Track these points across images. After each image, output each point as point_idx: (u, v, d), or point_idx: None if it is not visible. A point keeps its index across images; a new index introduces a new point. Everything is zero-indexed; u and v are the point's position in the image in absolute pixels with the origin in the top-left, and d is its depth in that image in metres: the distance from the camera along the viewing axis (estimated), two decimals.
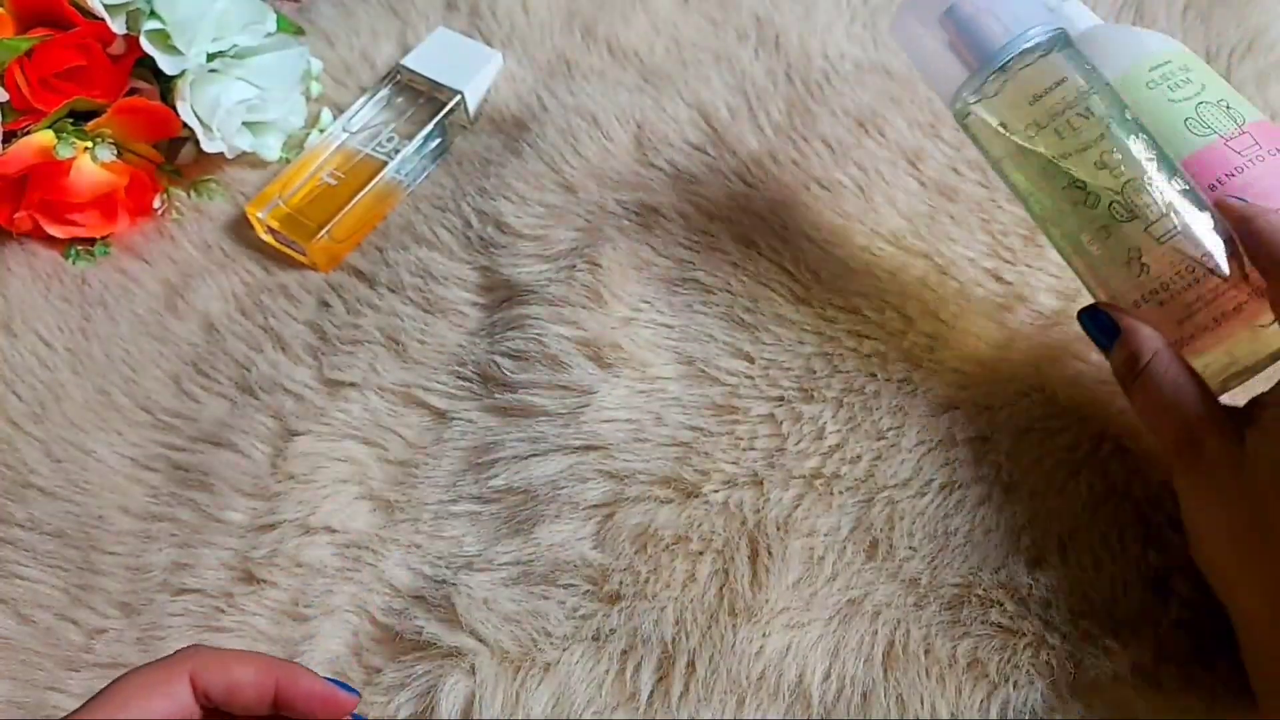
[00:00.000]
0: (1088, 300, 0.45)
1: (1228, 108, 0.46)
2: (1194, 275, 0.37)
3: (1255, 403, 0.36)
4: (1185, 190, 0.38)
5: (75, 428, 0.52)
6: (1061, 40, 0.39)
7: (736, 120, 0.54)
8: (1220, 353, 0.37)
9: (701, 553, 0.42)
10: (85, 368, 0.54)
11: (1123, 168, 0.37)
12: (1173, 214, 0.37)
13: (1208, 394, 0.36)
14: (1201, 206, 0.38)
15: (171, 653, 0.33)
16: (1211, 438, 0.35)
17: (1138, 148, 0.38)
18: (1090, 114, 0.38)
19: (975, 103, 0.40)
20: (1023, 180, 0.40)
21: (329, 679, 0.35)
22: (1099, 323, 0.39)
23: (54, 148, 0.53)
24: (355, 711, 0.36)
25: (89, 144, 0.54)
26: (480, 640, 0.42)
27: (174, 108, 0.56)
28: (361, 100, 0.60)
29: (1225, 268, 0.36)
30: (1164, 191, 0.37)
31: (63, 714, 0.44)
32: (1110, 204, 0.37)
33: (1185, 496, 0.36)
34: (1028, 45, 0.39)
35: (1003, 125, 0.40)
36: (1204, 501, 0.35)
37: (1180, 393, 0.36)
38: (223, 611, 0.46)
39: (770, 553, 0.42)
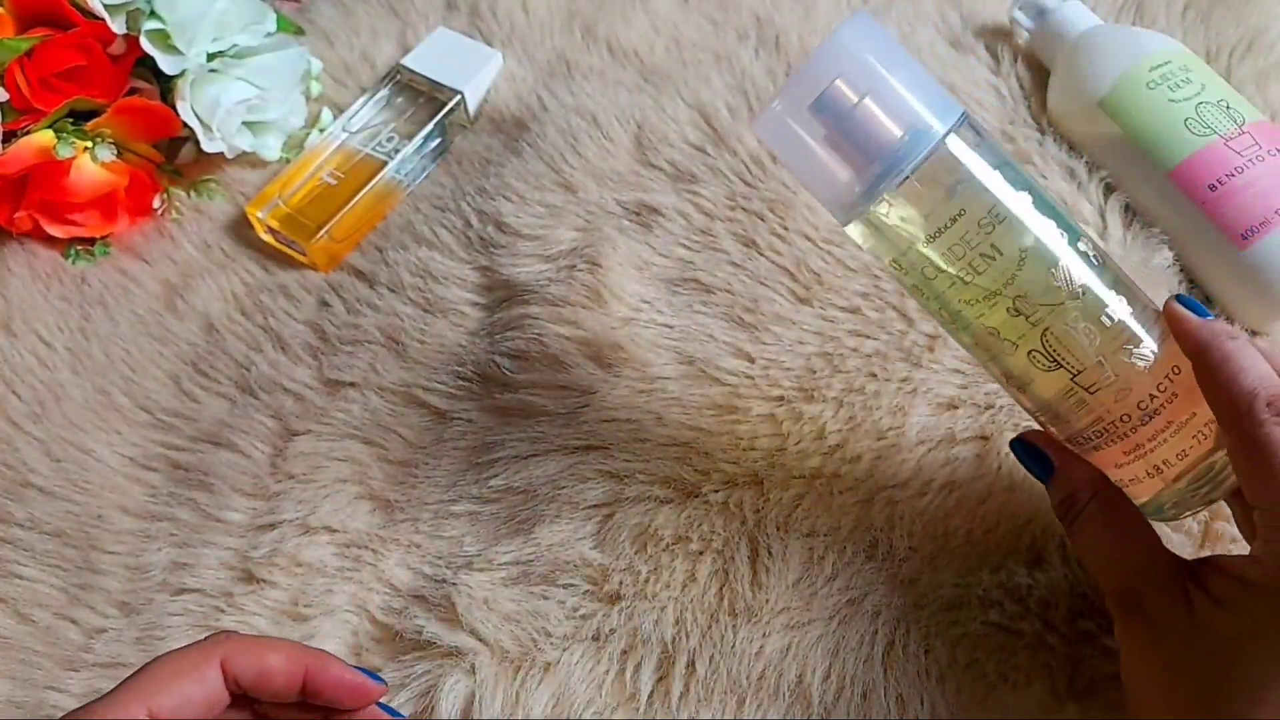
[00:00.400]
0: None
1: (1228, 108, 0.46)
2: (1131, 424, 0.33)
3: (1210, 565, 0.33)
4: (1126, 317, 0.32)
5: (75, 427, 0.52)
6: (966, 134, 0.32)
7: (736, 120, 0.54)
8: (1167, 494, 0.34)
9: (701, 553, 0.42)
10: (85, 367, 0.54)
11: (1041, 313, 0.32)
12: (1105, 358, 0.32)
13: (1151, 544, 0.34)
14: (1148, 329, 0.33)
15: (203, 638, 0.33)
16: (1155, 597, 0.33)
17: (1064, 276, 0.32)
18: (998, 253, 0.31)
19: (858, 225, 0.33)
20: (930, 310, 0.35)
21: (358, 668, 0.35)
22: (1033, 456, 0.36)
23: (54, 147, 0.53)
24: (381, 701, 0.36)
25: (89, 144, 0.54)
26: (480, 640, 0.42)
27: (174, 107, 0.56)
28: (361, 100, 0.60)
29: (1165, 411, 0.32)
30: (1095, 327, 0.32)
31: (62, 713, 0.44)
32: (1029, 353, 0.33)
33: (1126, 654, 0.34)
34: (928, 151, 0.31)
35: (896, 263, 0.34)
36: (1146, 664, 0.33)
37: (1120, 542, 0.33)
38: (222, 611, 0.46)
39: (770, 553, 0.42)
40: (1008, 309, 0.32)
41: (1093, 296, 0.32)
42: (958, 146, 0.32)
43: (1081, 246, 0.33)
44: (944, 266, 0.32)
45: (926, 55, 0.56)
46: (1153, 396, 0.32)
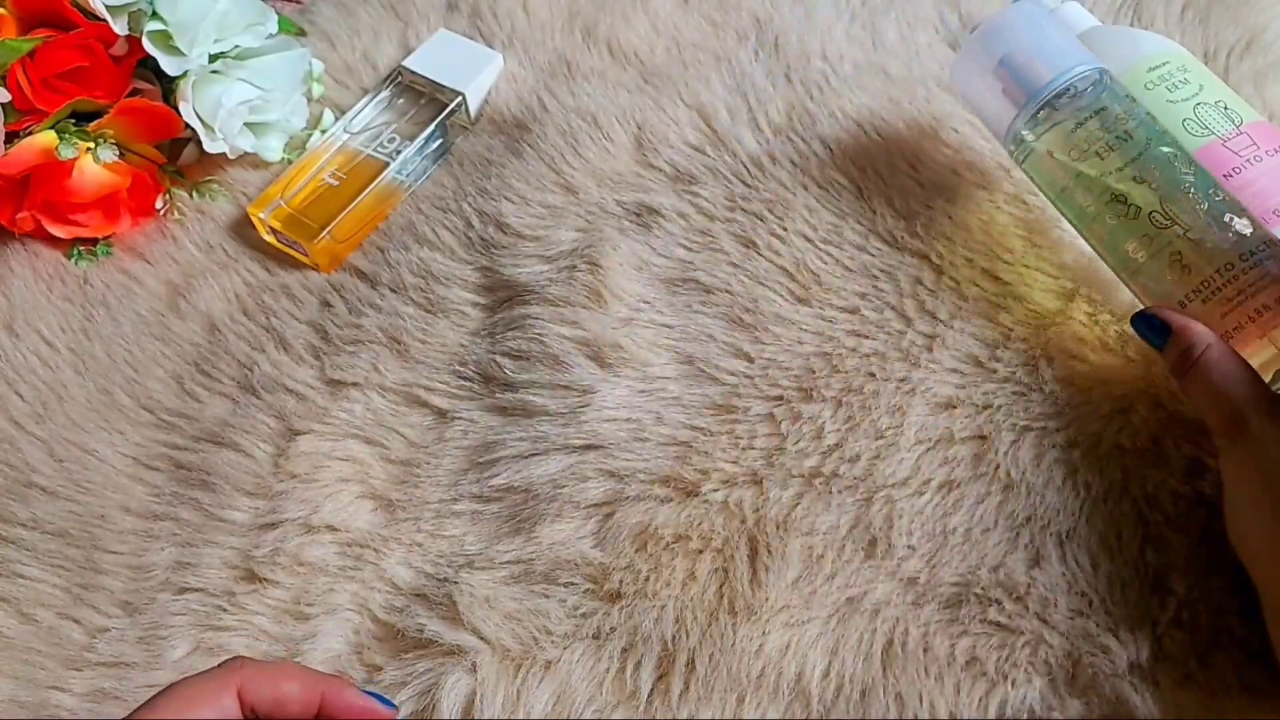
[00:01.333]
0: (1084, 299, 0.45)
1: (1225, 108, 0.47)
2: (1233, 272, 0.39)
3: None
4: (1221, 198, 0.41)
5: (77, 427, 0.52)
6: (1103, 77, 0.44)
7: (736, 121, 0.54)
8: (1266, 343, 0.39)
9: (701, 551, 0.43)
10: (88, 367, 0.54)
11: (1159, 181, 0.41)
12: (1209, 219, 0.40)
13: (1258, 380, 0.37)
14: (1239, 212, 0.40)
15: (219, 664, 0.34)
16: (1258, 418, 0.36)
17: (1176, 162, 0.41)
18: (1128, 137, 0.42)
19: (1026, 133, 0.45)
20: (1074, 201, 0.44)
21: (368, 692, 0.35)
22: (1151, 324, 0.40)
23: (56, 148, 0.53)
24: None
25: (91, 144, 0.54)
26: (481, 638, 0.42)
27: (176, 108, 0.56)
28: (363, 101, 0.60)
29: (1265, 265, 0.38)
30: (1200, 199, 0.40)
31: (65, 713, 0.44)
32: (1150, 214, 0.41)
33: (1228, 475, 0.37)
34: (1071, 79, 0.44)
35: (1050, 153, 0.44)
36: (1245, 479, 0.36)
37: (1229, 378, 0.37)
38: (225, 610, 0.46)
39: (770, 551, 0.42)
40: (1133, 178, 0.41)
41: (1203, 178, 0.41)
42: (1090, 82, 0.44)
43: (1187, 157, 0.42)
44: (1085, 152, 0.43)
45: (925, 56, 0.57)
46: (1253, 253, 0.39)
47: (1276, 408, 0.36)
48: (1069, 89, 0.44)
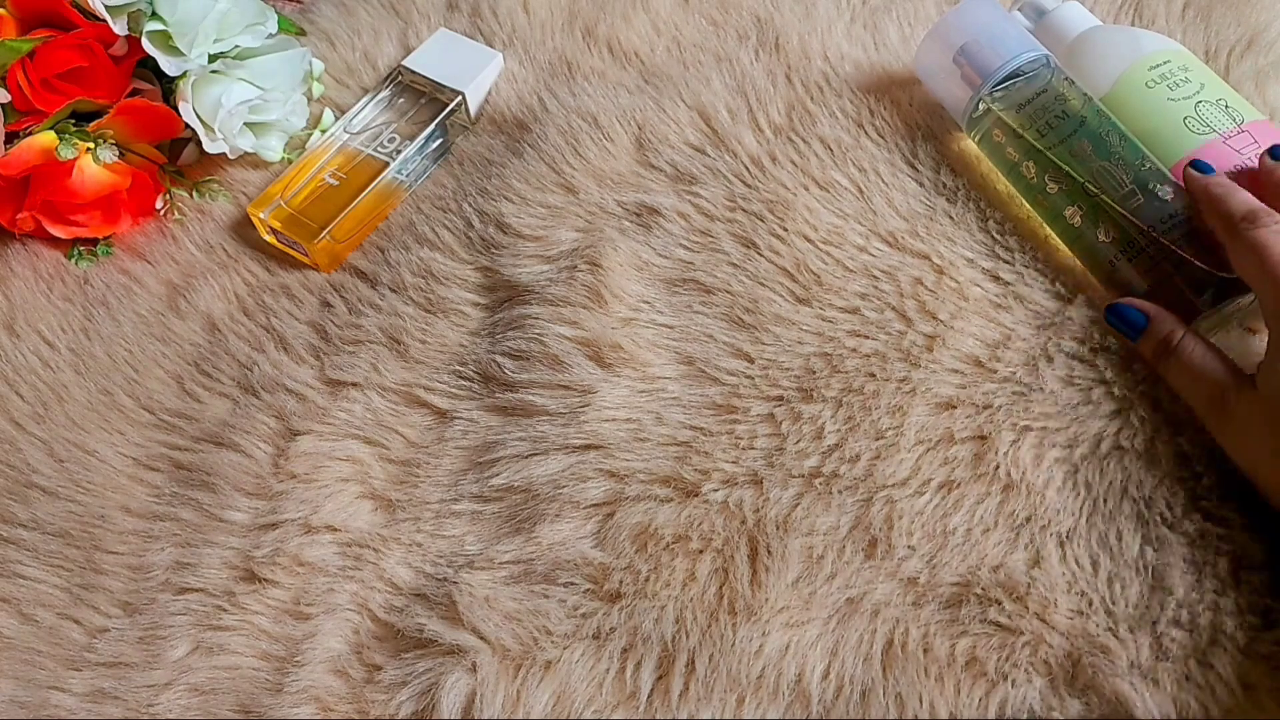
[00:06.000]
0: (1084, 300, 0.45)
1: (1226, 107, 0.47)
2: (1156, 233, 0.43)
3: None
4: (1149, 168, 0.45)
5: (78, 428, 0.52)
6: (1048, 61, 0.49)
7: (736, 121, 0.54)
8: (1186, 294, 0.43)
9: (701, 552, 0.43)
10: (88, 368, 0.54)
11: (1091, 153, 0.46)
12: (1135, 186, 0.44)
13: (1226, 358, 0.41)
14: (1163, 180, 0.44)
15: None
16: (1234, 391, 0.40)
17: (1108, 137, 0.46)
18: (1065, 115, 0.47)
19: (981, 113, 0.49)
20: (1021, 175, 0.47)
21: None
22: (1124, 315, 0.43)
23: (56, 149, 0.53)
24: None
25: (91, 145, 0.54)
26: (481, 638, 0.42)
27: (176, 109, 0.56)
28: (363, 101, 0.60)
29: (1185, 226, 0.43)
30: (1127, 169, 0.45)
31: (65, 713, 0.44)
32: (1083, 184, 0.45)
33: (1227, 445, 0.41)
34: (1020, 63, 0.48)
35: (1000, 130, 0.48)
36: (1242, 443, 0.40)
37: (1207, 360, 0.41)
38: (224, 610, 0.46)
39: (770, 552, 0.42)
40: (1071, 150, 0.46)
41: (1133, 150, 0.45)
42: (1037, 66, 0.49)
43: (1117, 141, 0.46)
44: (1033, 121, 0.47)
45: None
46: (1173, 215, 0.43)
47: (1248, 381, 0.40)
48: (1018, 72, 0.48)
